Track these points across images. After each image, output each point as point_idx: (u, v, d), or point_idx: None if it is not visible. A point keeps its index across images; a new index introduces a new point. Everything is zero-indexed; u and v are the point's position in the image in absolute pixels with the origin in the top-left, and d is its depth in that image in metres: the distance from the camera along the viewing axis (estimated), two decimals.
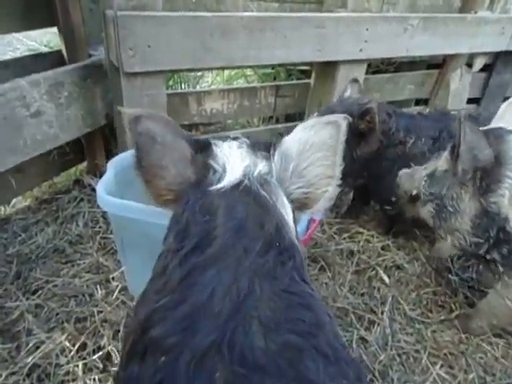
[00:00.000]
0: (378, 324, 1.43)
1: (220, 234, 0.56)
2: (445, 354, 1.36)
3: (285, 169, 0.68)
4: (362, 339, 1.37)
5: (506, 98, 3.09)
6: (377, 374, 1.25)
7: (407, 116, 1.71)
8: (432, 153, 1.61)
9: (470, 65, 2.70)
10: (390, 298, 1.54)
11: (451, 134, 1.62)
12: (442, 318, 1.51)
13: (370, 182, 1.75)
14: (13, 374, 1.15)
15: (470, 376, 1.31)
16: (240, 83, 2.82)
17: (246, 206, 0.60)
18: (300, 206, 0.70)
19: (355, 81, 1.77)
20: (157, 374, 0.45)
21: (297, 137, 0.70)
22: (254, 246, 0.55)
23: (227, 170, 0.65)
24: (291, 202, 0.68)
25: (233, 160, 0.66)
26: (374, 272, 1.68)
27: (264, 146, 0.71)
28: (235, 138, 0.73)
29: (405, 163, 1.63)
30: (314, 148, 0.69)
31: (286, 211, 0.65)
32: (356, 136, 1.57)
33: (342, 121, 0.70)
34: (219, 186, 0.63)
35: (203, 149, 0.70)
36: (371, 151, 1.61)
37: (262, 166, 0.66)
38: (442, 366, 1.33)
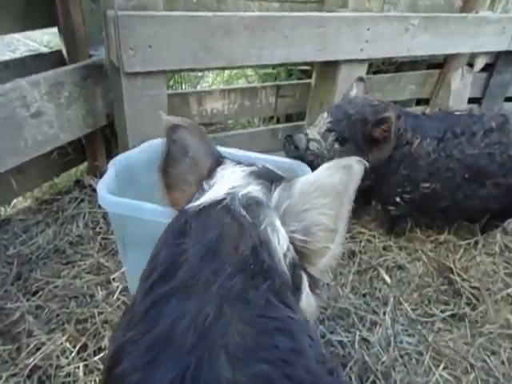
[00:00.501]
0: (380, 325, 1.42)
1: (188, 258, 0.52)
2: (448, 356, 1.36)
3: (280, 204, 0.61)
4: (364, 340, 1.36)
5: (507, 98, 3.12)
6: (379, 375, 1.24)
7: (413, 116, 1.71)
8: (436, 153, 1.61)
9: (471, 64, 2.70)
10: (391, 299, 1.54)
11: (456, 134, 1.63)
12: (445, 318, 1.50)
13: (375, 182, 1.74)
14: (13, 375, 1.15)
15: (473, 378, 1.30)
16: (240, 83, 2.82)
17: (221, 226, 0.55)
18: (301, 256, 0.61)
19: (361, 79, 1.75)
20: None
21: (307, 177, 0.63)
22: (224, 269, 0.51)
23: (212, 189, 0.61)
24: (291, 244, 0.60)
25: (225, 180, 0.62)
26: (375, 272, 1.68)
27: (273, 177, 0.65)
28: (251, 164, 0.67)
29: (410, 163, 1.63)
30: (320, 191, 0.60)
31: (277, 236, 0.58)
32: (369, 142, 1.55)
33: (356, 165, 0.59)
34: (195, 203, 0.59)
35: (215, 168, 0.68)
36: (383, 157, 1.60)
37: (252, 189, 0.60)
38: (444, 367, 1.32)
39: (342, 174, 0.60)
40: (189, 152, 0.67)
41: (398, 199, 1.72)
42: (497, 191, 1.66)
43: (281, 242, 0.58)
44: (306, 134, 1.61)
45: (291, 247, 0.60)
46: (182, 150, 0.67)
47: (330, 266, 0.63)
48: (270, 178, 0.65)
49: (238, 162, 0.70)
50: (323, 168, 0.62)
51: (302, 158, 1.56)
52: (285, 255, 0.58)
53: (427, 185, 1.66)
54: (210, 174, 0.67)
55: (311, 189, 0.60)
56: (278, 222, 0.59)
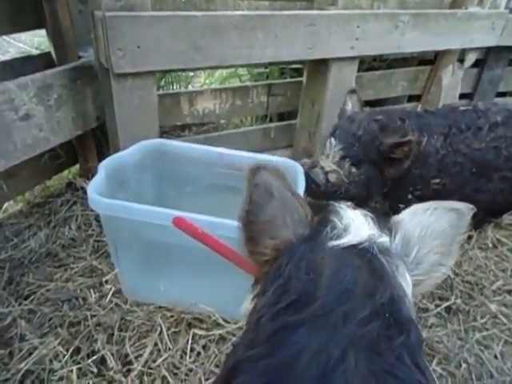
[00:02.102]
0: None
1: (321, 295, 0.51)
2: (441, 351, 1.36)
3: (406, 254, 0.63)
4: None
5: (498, 93, 3.13)
6: None
7: (415, 115, 1.72)
8: (444, 149, 1.62)
9: (461, 60, 2.71)
10: None
11: (461, 129, 1.64)
12: (439, 312, 1.51)
13: (391, 187, 1.73)
14: (6, 380, 1.14)
15: (467, 373, 1.31)
16: (232, 82, 2.81)
17: (356, 270, 0.55)
18: None
19: (353, 91, 1.76)
20: None
21: (417, 220, 0.65)
22: (357, 313, 0.49)
23: (350, 230, 0.60)
24: None
25: (358, 223, 0.61)
26: None
27: (386, 223, 0.66)
28: (355, 207, 0.68)
29: (420, 162, 1.64)
30: (434, 235, 0.64)
31: (407, 284, 0.59)
32: (387, 159, 1.54)
33: (467, 211, 0.66)
34: (335, 242, 0.57)
35: (322, 209, 0.66)
36: (403, 170, 1.58)
37: (384, 238, 0.61)
38: (438, 362, 1.33)
39: (453, 218, 0.66)
40: (274, 194, 0.63)
41: (410, 196, 1.73)
42: (503, 185, 1.69)
43: (409, 291, 0.59)
44: (322, 168, 1.57)
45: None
46: (267, 194, 0.63)
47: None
48: (385, 225, 0.65)
49: (350, 206, 0.68)
50: (425, 209, 0.66)
51: (325, 193, 1.56)
52: (411, 307, 0.58)
53: (437, 181, 1.67)
54: (324, 212, 0.64)
55: (428, 233, 0.64)
56: (407, 273, 0.60)
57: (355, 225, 0.61)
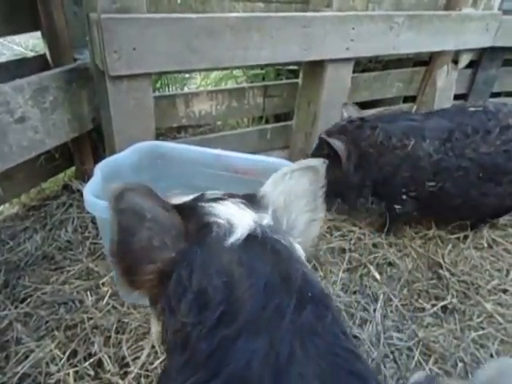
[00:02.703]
0: (371, 321, 1.43)
1: (246, 297, 0.50)
2: (437, 350, 1.37)
3: (280, 224, 0.65)
4: (355, 337, 1.37)
5: (492, 94, 3.16)
6: None
7: (404, 120, 1.75)
8: (440, 153, 1.62)
9: (456, 61, 2.73)
10: (381, 295, 1.55)
11: (466, 133, 1.63)
12: (435, 312, 1.52)
13: (377, 188, 1.80)
14: None
15: (463, 372, 1.31)
16: (228, 84, 2.82)
17: (265, 259, 0.54)
18: None
19: (345, 104, 1.86)
20: None
21: (279, 188, 0.67)
22: (287, 304, 0.49)
23: (235, 224, 0.57)
24: None
25: (238, 214, 0.59)
26: (365, 269, 1.69)
27: (253, 200, 0.66)
28: (220, 198, 0.65)
29: (410, 165, 1.67)
30: (298, 197, 0.68)
31: (301, 254, 0.61)
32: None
33: (320, 166, 0.70)
34: (231, 239, 0.55)
35: (190, 211, 0.62)
36: (340, 177, 1.74)
37: (266, 218, 0.61)
38: (434, 362, 1.34)
39: (311, 176, 0.69)
40: (146, 216, 0.56)
41: (404, 197, 1.75)
42: None
43: (305, 260, 0.60)
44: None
45: None
46: (138, 218, 0.56)
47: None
48: (253, 203, 0.65)
49: (216, 199, 0.65)
50: (283, 175, 0.68)
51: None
52: None
53: (433, 184, 1.68)
54: (196, 213, 0.61)
55: (292, 198, 0.67)
56: (296, 244, 0.62)
57: (236, 217, 0.59)
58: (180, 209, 0.62)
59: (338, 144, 1.72)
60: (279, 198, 0.66)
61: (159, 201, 0.60)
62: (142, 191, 0.58)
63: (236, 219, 0.58)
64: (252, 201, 0.66)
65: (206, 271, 0.53)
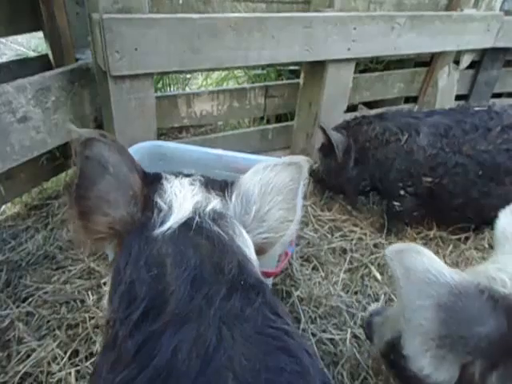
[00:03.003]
0: None
1: (174, 290, 0.49)
2: None
3: (246, 212, 0.63)
4: (356, 337, 1.37)
5: (494, 95, 3.15)
6: (371, 372, 1.25)
7: (404, 116, 1.81)
8: (435, 148, 1.64)
9: (457, 62, 2.73)
10: (382, 296, 1.55)
11: (464, 130, 1.65)
12: None
13: (375, 182, 1.84)
14: (4, 383, 1.13)
15: None
16: (229, 84, 2.82)
17: (198, 248, 0.54)
18: (256, 250, 0.64)
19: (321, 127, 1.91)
20: None
21: (257, 178, 0.65)
22: (217, 291, 0.50)
23: (174, 208, 0.57)
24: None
25: (181, 197, 0.59)
26: (366, 270, 1.69)
27: (220, 185, 0.66)
28: (188, 175, 0.66)
29: (405, 158, 1.70)
30: (275, 191, 0.65)
31: (248, 245, 0.60)
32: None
33: (303, 163, 0.67)
34: (164, 227, 0.55)
35: (153, 184, 0.62)
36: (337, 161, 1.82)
37: (215, 202, 0.60)
38: None
39: (293, 172, 0.66)
40: (109, 169, 0.57)
41: (402, 192, 1.76)
42: None
43: (251, 249, 0.60)
44: None
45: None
46: (101, 168, 0.57)
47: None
48: (218, 187, 0.65)
49: (174, 173, 0.65)
50: (265, 167, 0.66)
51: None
52: (257, 264, 0.59)
53: (430, 179, 1.69)
54: (152, 190, 0.60)
55: (268, 190, 0.64)
56: (243, 231, 0.61)
57: (178, 199, 0.58)
58: (147, 175, 0.63)
59: (333, 133, 1.80)
60: (253, 187, 0.64)
61: (128, 160, 0.61)
62: (113, 146, 0.59)
63: (176, 203, 0.58)
64: (217, 184, 0.66)
65: (137, 263, 0.53)
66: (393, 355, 0.80)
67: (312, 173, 1.98)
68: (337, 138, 1.81)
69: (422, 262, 0.59)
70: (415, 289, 0.57)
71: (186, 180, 0.63)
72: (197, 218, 0.56)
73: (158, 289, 0.50)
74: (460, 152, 1.63)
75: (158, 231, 0.55)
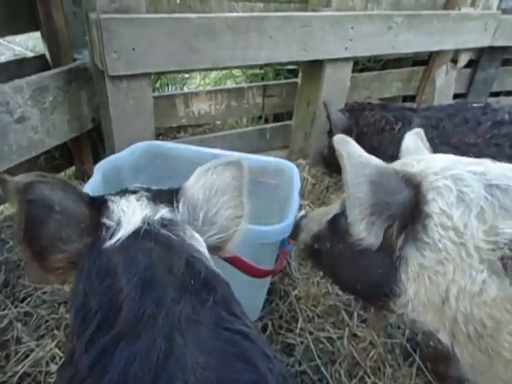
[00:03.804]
0: (369, 320, 1.44)
1: (126, 296, 0.49)
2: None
3: (194, 218, 0.64)
4: (354, 336, 1.37)
5: (491, 93, 3.16)
6: (368, 370, 1.26)
7: (404, 109, 1.92)
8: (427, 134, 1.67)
9: (455, 61, 2.73)
10: None
11: (454, 122, 1.68)
12: None
13: None
14: (2, 383, 1.14)
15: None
16: (227, 84, 2.82)
17: (148, 253, 0.54)
18: (214, 250, 0.67)
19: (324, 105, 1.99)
20: None
21: (200, 182, 0.68)
22: (167, 294, 0.49)
23: (122, 223, 0.58)
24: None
25: (130, 212, 0.60)
26: None
27: (167, 196, 0.67)
28: (134, 191, 0.66)
29: (397, 146, 1.71)
30: (220, 192, 0.67)
31: (199, 244, 0.61)
32: None
33: (242, 162, 0.70)
34: (113, 240, 0.56)
35: (100, 207, 0.63)
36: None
37: (164, 212, 0.61)
38: None
39: (234, 171, 0.69)
40: (55, 208, 0.57)
41: None
42: None
43: (205, 250, 0.61)
44: None
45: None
46: (47, 209, 0.57)
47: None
48: (165, 198, 0.66)
49: (120, 193, 0.66)
50: (206, 170, 0.69)
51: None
52: (211, 262, 0.60)
53: None
54: (100, 213, 0.62)
55: (212, 193, 0.67)
56: (196, 234, 0.62)
57: (127, 215, 0.60)
58: (94, 200, 0.64)
59: (333, 112, 1.88)
60: (198, 192, 0.67)
61: (73, 194, 0.61)
62: (55, 184, 0.59)
63: (125, 218, 0.59)
64: (163, 195, 0.67)
65: (89, 275, 0.54)
66: (317, 244, 0.97)
67: (322, 158, 2.09)
68: (336, 116, 1.89)
69: (358, 150, 0.74)
70: (354, 170, 0.72)
71: (133, 197, 0.64)
72: (145, 226, 0.57)
73: (110, 297, 0.50)
74: (448, 144, 1.65)
75: (108, 244, 0.56)
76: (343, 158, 0.72)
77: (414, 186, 0.72)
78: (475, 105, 1.78)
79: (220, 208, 0.66)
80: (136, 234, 0.56)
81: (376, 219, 0.72)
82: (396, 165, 0.84)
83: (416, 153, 1.02)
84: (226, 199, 0.67)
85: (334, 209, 0.93)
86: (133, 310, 0.48)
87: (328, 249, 0.91)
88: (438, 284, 0.68)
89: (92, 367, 0.45)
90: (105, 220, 0.59)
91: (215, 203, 0.66)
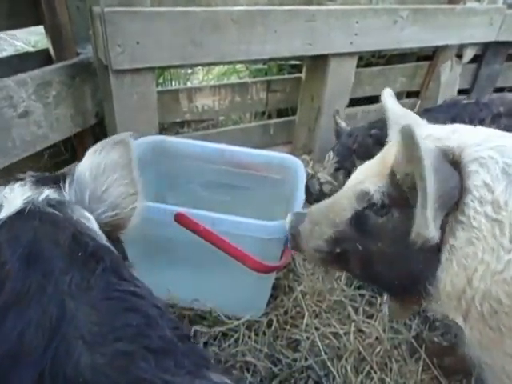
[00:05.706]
0: (376, 315, 1.43)
1: (11, 269, 0.51)
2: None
3: (81, 197, 0.65)
4: (360, 331, 1.37)
5: (496, 89, 3.14)
6: (375, 365, 1.25)
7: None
8: None
9: (459, 56, 2.71)
10: None
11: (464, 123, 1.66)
12: None
13: None
14: None
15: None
16: (231, 79, 2.81)
17: (32, 230, 0.56)
18: (113, 229, 0.68)
19: (337, 111, 1.93)
20: None
21: (88, 162, 0.69)
22: (55, 266, 0.52)
23: (3, 207, 0.60)
24: (102, 228, 0.65)
25: (12, 197, 0.61)
26: None
27: (53, 179, 0.68)
28: (20, 179, 0.68)
29: None
30: (109, 170, 0.68)
31: (87, 218, 0.62)
32: None
33: (128, 138, 0.71)
34: None
35: None
36: None
37: (49, 192, 0.62)
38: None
39: (120, 149, 0.70)
40: None
41: None
42: None
43: (95, 226, 0.63)
44: (318, 179, 1.71)
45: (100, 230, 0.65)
46: None
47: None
48: (51, 181, 0.67)
49: (14, 181, 0.67)
50: (94, 151, 0.69)
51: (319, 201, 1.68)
52: (100, 237, 0.62)
53: None
54: None
55: (100, 171, 0.67)
56: (85, 212, 0.63)
57: (8, 200, 0.61)
58: None
59: (339, 121, 1.83)
60: (85, 172, 0.67)
61: None
62: None
63: (6, 202, 0.61)
64: (50, 178, 0.69)
65: None
66: (339, 248, 0.85)
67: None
68: (339, 123, 1.85)
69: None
70: (429, 163, 0.63)
71: (17, 183, 0.65)
72: (29, 206, 0.59)
73: None
74: None
75: None
76: (419, 150, 0.62)
77: (455, 162, 0.66)
78: (464, 101, 1.77)
79: (109, 186, 0.67)
80: (20, 215, 0.58)
81: (441, 212, 0.66)
82: (428, 139, 0.74)
83: (404, 116, 0.95)
84: (116, 177, 0.68)
85: (344, 206, 0.83)
86: (18, 280, 0.50)
87: (359, 250, 0.81)
88: (466, 268, 0.64)
89: None
90: None
91: (103, 181, 0.67)
